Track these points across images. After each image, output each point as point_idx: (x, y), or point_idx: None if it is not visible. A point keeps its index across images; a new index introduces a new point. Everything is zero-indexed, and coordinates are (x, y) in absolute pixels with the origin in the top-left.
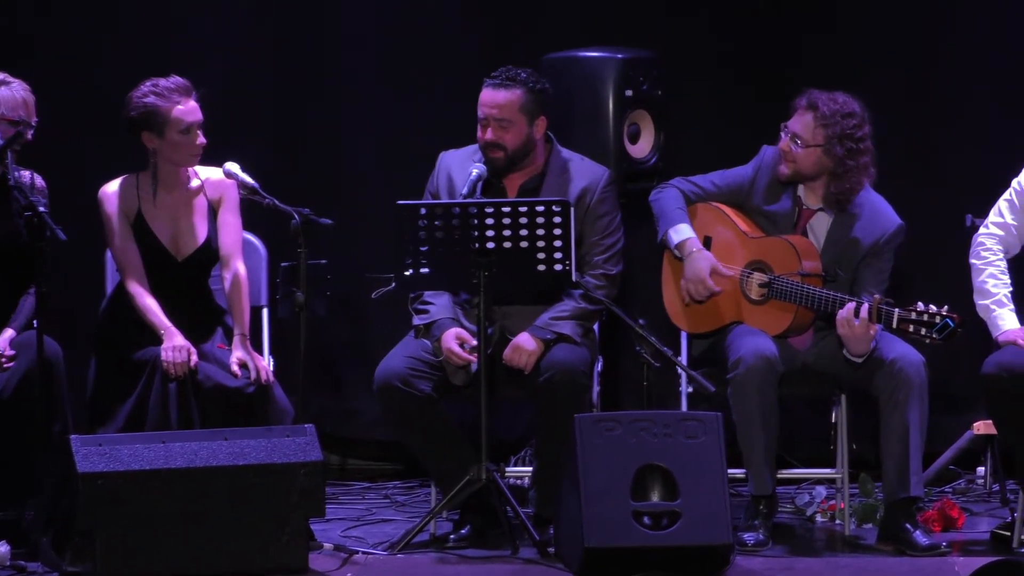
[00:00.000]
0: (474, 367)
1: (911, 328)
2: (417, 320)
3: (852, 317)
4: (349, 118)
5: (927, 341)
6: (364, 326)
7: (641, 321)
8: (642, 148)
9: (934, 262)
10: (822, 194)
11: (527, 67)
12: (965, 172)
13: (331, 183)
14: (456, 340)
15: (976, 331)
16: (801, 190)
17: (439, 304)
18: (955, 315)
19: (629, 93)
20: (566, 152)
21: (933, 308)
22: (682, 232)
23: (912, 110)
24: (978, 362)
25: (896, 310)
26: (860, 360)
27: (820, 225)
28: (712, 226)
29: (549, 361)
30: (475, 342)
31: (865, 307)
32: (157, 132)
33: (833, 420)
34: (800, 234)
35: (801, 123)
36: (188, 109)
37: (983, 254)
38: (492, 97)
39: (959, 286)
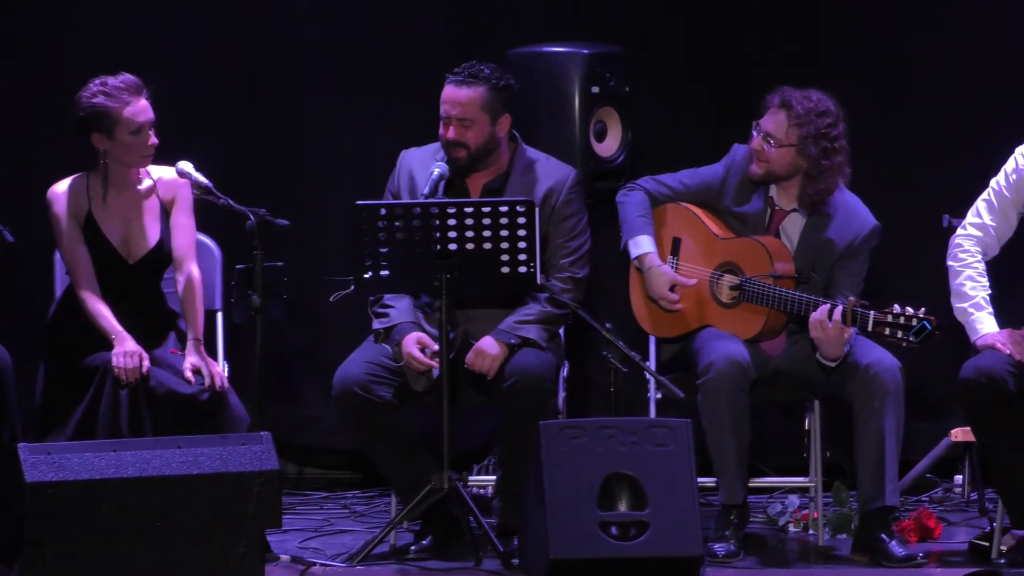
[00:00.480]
0: (436, 372)
1: (887, 331)
2: (377, 324)
3: (825, 319)
4: (307, 115)
5: (904, 344)
6: (322, 330)
7: (608, 325)
8: (609, 146)
9: (910, 264)
10: (796, 194)
11: (491, 63)
12: (942, 172)
13: (288, 182)
14: (417, 345)
15: (954, 335)
16: (773, 190)
17: (399, 307)
18: (932, 317)
19: (595, 90)
20: (531, 151)
21: (910, 310)
22: (641, 245)
23: (886, 109)
24: (956, 367)
25: (872, 312)
26: (833, 364)
27: (793, 226)
28: (682, 227)
29: (513, 367)
30: (436, 347)
31: (839, 309)
32: (107, 133)
33: (806, 427)
34: (772, 235)
35: (774, 122)
36: (139, 109)
37: (960, 256)
38: (454, 94)
39: (936, 289)
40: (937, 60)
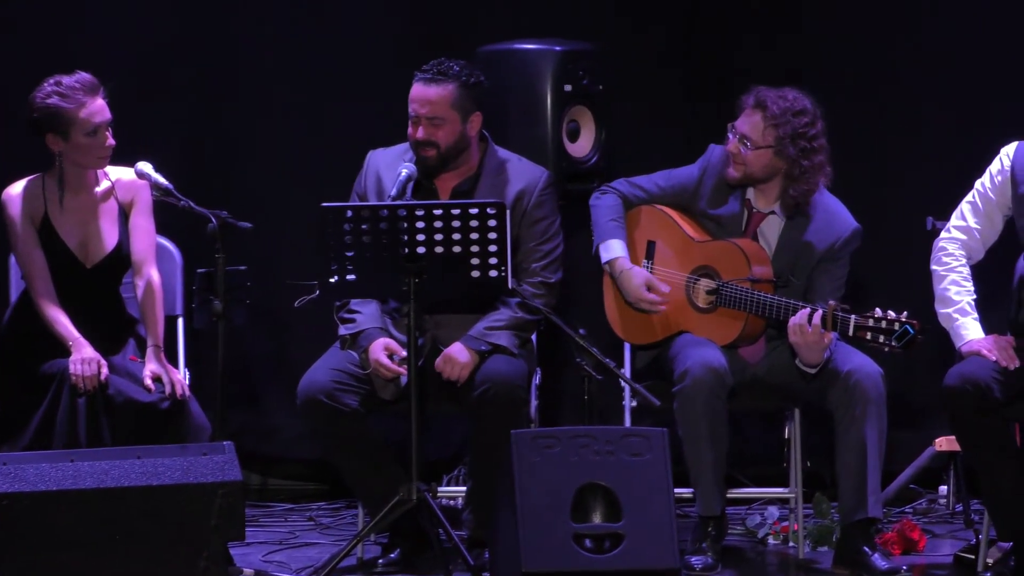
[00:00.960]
0: (404, 380)
1: (869, 336)
2: (343, 330)
3: (805, 324)
4: (271, 114)
5: (886, 350)
6: (286, 337)
7: (582, 331)
8: (582, 146)
9: (893, 268)
10: (774, 196)
11: (460, 60)
12: (925, 172)
13: (251, 183)
14: (384, 351)
15: (938, 341)
16: (751, 192)
17: (366, 313)
18: (915, 321)
19: (568, 88)
20: (502, 152)
21: (892, 314)
22: (612, 249)
23: (866, 107)
24: (940, 374)
25: (852, 316)
26: (813, 370)
27: (771, 229)
28: (656, 230)
29: (484, 374)
30: (404, 353)
31: (818, 313)
32: (62, 135)
33: (786, 436)
34: (750, 238)
35: (749, 123)
36: (95, 109)
37: (944, 260)
38: (423, 93)
39: (920, 293)
40: (917, 59)
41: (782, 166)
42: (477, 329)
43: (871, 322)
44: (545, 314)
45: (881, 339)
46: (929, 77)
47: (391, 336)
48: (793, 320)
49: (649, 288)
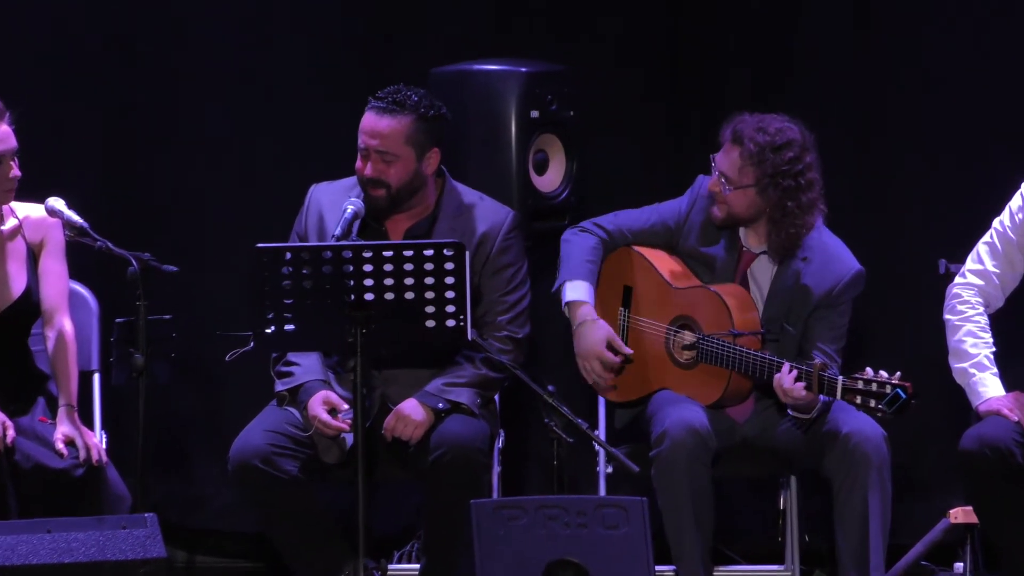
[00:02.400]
0: (349, 440)
1: (858, 399)
2: (279, 385)
3: (789, 384)
4: (198, 145)
5: (877, 415)
6: (216, 395)
7: (551, 387)
8: (551, 180)
9: (901, 316)
10: (765, 235)
11: (420, 88)
12: (937, 208)
13: (177, 222)
14: (324, 406)
15: (952, 398)
16: (742, 231)
17: (305, 365)
18: (907, 384)
19: (535, 114)
20: (463, 189)
21: (884, 374)
22: (578, 291)
23: (869, 135)
24: (955, 436)
25: (840, 378)
26: (807, 416)
27: (763, 271)
28: (632, 274)
29: (440, 435)
30: (347, 407)
31: (792, 375)
32: None
33: (781, 507)
34: (739, 282)
35: (727, 161)
36: None
37: (960, 308)
38: (375, 124)
39: (932, 345)
40: (921, 85)
41: (765, 206)
42: (435, 385)
43: (860, 384)
44: (510, 369)
45: (871, 403)
46: (935, 104)
47: (334, 391)
48: (776, 379)
49: (609, 347)
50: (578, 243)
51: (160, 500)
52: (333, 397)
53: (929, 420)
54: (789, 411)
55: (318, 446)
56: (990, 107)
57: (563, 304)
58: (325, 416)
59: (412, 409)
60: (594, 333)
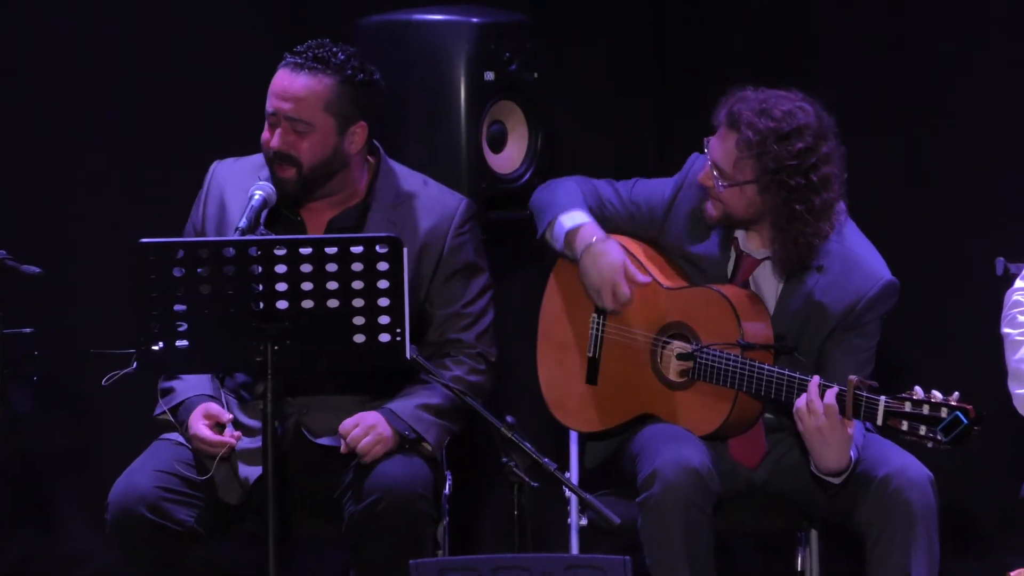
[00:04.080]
0: (252, 476)
1: (905, 425)
2: (160, 407)
3: (816, 406)
4: (67, 118)
5: (930, 445)
6: (89, 428)
7: (510, 419)
8: (509, 158)
9: (944, 331)
10: (768, 240)
11: (348, 46)
12: (991, 198)
13: (41, 214)
14: (204, 419)
15: (1011, 430)
16: (738, 232)
17: (189, 379)
18: (968, 406)
19: (490, 76)
20: (402, 171)
21: (938, 395)
22: (575, 217)
23: (904, 105)
24: (1015, 479)
25: (882, 399)
26: (838, 480)
27: (767, 281)
28: None
29: (374, 479)
30: (229, 416)
31: (833, 391)
32: None
33: (798, 567)
34: (740, 286)
35: (722, 149)
36: None
37: (1021, 320)
38: (288, 84)
39: (985, 366)
40: (961, 58)
41: (768, 208)
42: (404, 406)
43: (908, 407)
44: (456, 394)
45: (923, 430)
46: (981, 80)
47: (235, 422)
48: (798, 403)
49: (627, 277)
50: (561, 187)
51: (20, 559)
52: (214, 407)
53: (984, 456)
54: (813, 469)
55: (217, 484)
56: None
57: (558, 238)
58: (206, 432)
59: (378, 421)
60: (608, 256)
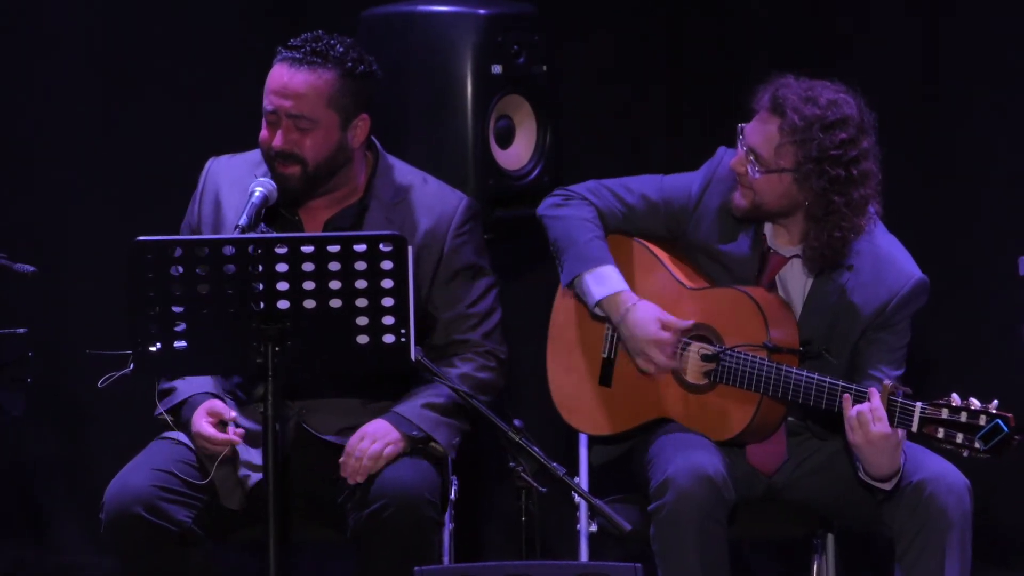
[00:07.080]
0: (252, 480)
1: (941, 433)
2: (160, 407)
3: (881, 414)
4: (61, 116)
5: (966, 453)
6: (84, 432)
7: (518, 422)
8: (517, 154)
9: (975, 333)
10: (799, 235)
11: (346, 37)
12: (1015, 198)
13: (35, 213)
14: (208, 418)
15: None
16: (768, 226)
17: (191, 378)
18: (1008, 415)
19: (497, 69)
20: (401, 167)
21: (976, 403)
22: (608, 281)
23: (931, 101)
24: None
25: (918, 405)
26: (889, 485)
27: (795, 280)
28: (631, 270)
29: (379, 484)
30: (233, 414)
31: (875, 394)
32: None
33: (814, 574)
34: (766, 287)
35: (761, 134)
36: None
37: None
38: (287, 80)
39: (1016, 370)
40: (995, 44)
41: (804, 199)
42: (409, 407)
43: (945, 413)
44: (462, 397)
45: (959, 438)
46: (1015, 71)
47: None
48: (852, 412)
49: (664, 327)
50: (571, 215)
51: (13, 567)
52: (217, 405)
53: (1013, 464)
54: (862, 476)
55: (218, 488)
56: None
57: (587, 299)
58: (209, 429)
59: (382, 427)
60: (642, 318)
